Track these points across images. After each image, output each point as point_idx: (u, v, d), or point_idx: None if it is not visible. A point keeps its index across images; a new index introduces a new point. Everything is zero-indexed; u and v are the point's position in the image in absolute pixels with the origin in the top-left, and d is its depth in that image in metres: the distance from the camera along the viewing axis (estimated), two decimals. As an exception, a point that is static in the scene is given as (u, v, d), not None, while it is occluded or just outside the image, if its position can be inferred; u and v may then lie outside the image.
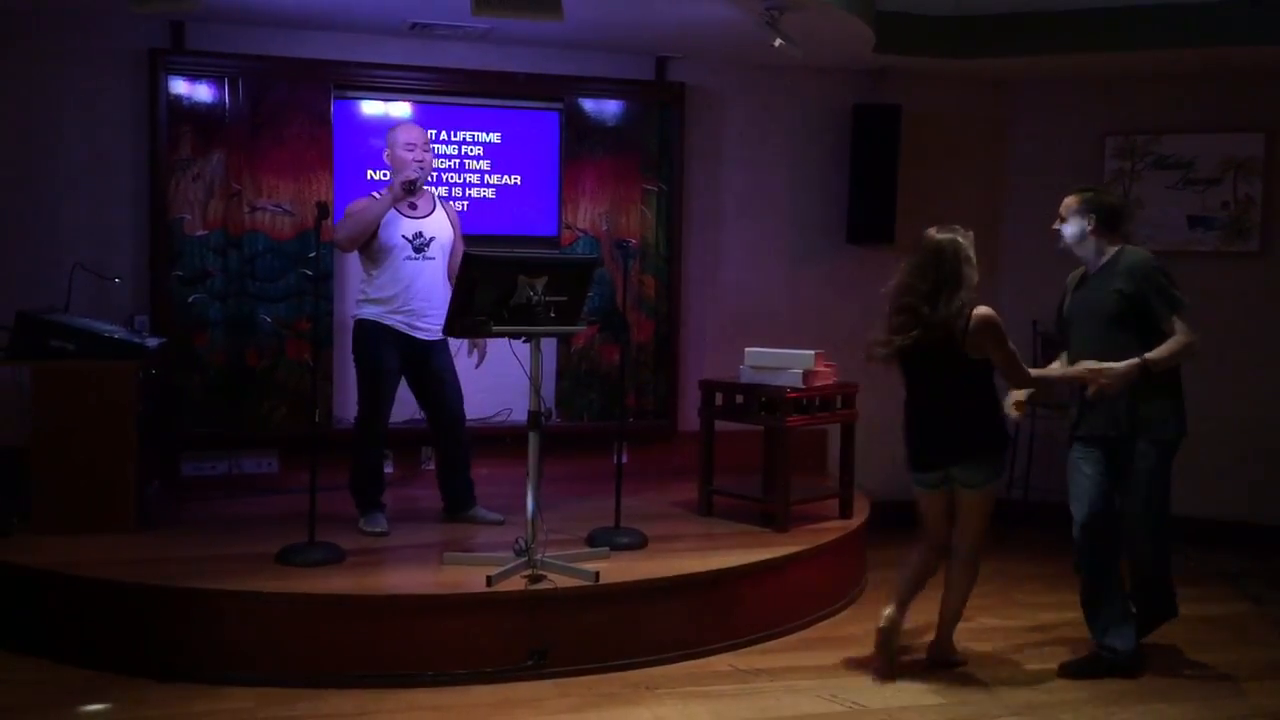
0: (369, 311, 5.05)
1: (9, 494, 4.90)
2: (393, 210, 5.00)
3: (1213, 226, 6.67)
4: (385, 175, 5.38)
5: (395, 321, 5.03)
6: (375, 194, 5.12)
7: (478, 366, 5.29)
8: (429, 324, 5.05)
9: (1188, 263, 6.69)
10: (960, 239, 4.20)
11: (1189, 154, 6.69)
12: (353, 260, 5.41)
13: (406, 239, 5.01)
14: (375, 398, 5.08)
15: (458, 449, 5.29)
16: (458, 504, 5.31)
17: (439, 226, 5.13)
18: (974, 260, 4.20)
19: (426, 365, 5.12)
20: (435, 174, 6.25)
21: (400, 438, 5.80)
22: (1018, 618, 5.16)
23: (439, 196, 5.33)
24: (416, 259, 5.04)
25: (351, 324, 5.21)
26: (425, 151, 5.11)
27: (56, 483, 4.85)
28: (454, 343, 5.12)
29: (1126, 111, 6.82)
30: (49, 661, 4.27)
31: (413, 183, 5.02)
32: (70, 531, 4.78)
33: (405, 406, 5.43)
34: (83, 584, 4.32)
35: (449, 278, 5.07)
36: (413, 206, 5.06)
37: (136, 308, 5.75)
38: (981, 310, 4.17)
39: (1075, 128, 6.91)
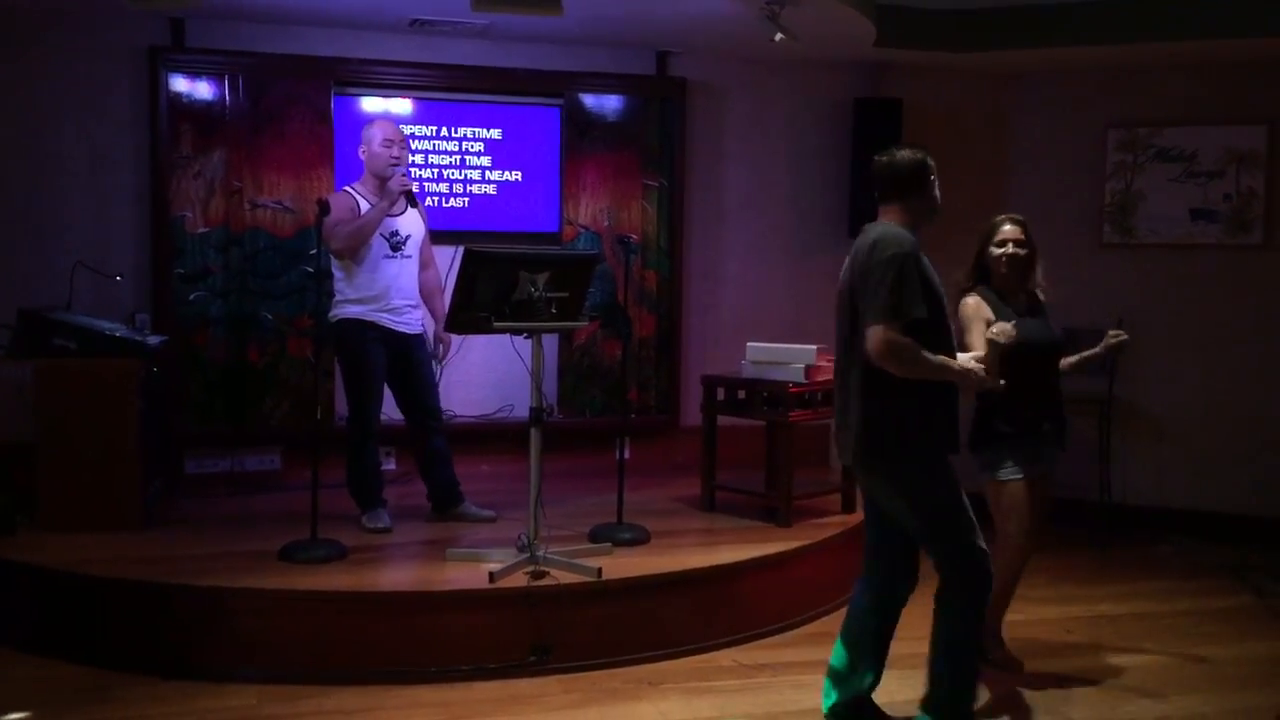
0: (353, 310, 5.01)
1: (13, 492, 4.91)
2: (369, 208, 5.00)
3: (1215, 219, 6.66)
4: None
5: (381, 318, 5.01)
6: (348, 188, 5.10)
7: (441, 362, 5.28)
8: (409, 319, 5.09)
9: (1191, 256, 6.72)
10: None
11: (1191, 146, 6.68)
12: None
13: (384, 238, 5.00)
14: (367, 394, 5.06)
15: (439, 440, 5.24)
16: (446, 500, 5.28)
17: (413, 224, 5.12)
18: None
19: (408, 358, 5.11)
20: (436, 170, 6.28)
21: (403, 436, 5.80)
22: (1019, 611, 5.15)
23: (411, 193, 5.26)
24: (394, 257, 5.04)
25: (333, 325, 5.11)
26: (402, 149, 5.10)
27: (60, 481, 4.85)
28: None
29: (1128, 104, 6.81)
30: (52, 659, 4.28)
31: (411, 192, 5.04)
32: (73, 529, 4.78)
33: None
34: (86, 581, 4.32)
35: (420, 272, 5.18)
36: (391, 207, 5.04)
37: (138, 305, 5.76)
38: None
39: (1077, 120, 6.90)
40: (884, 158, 3.69)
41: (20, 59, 5.63)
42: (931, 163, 3.68)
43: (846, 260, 3.73)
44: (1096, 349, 4.40)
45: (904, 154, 3.67)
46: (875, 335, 3.43)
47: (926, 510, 3.55)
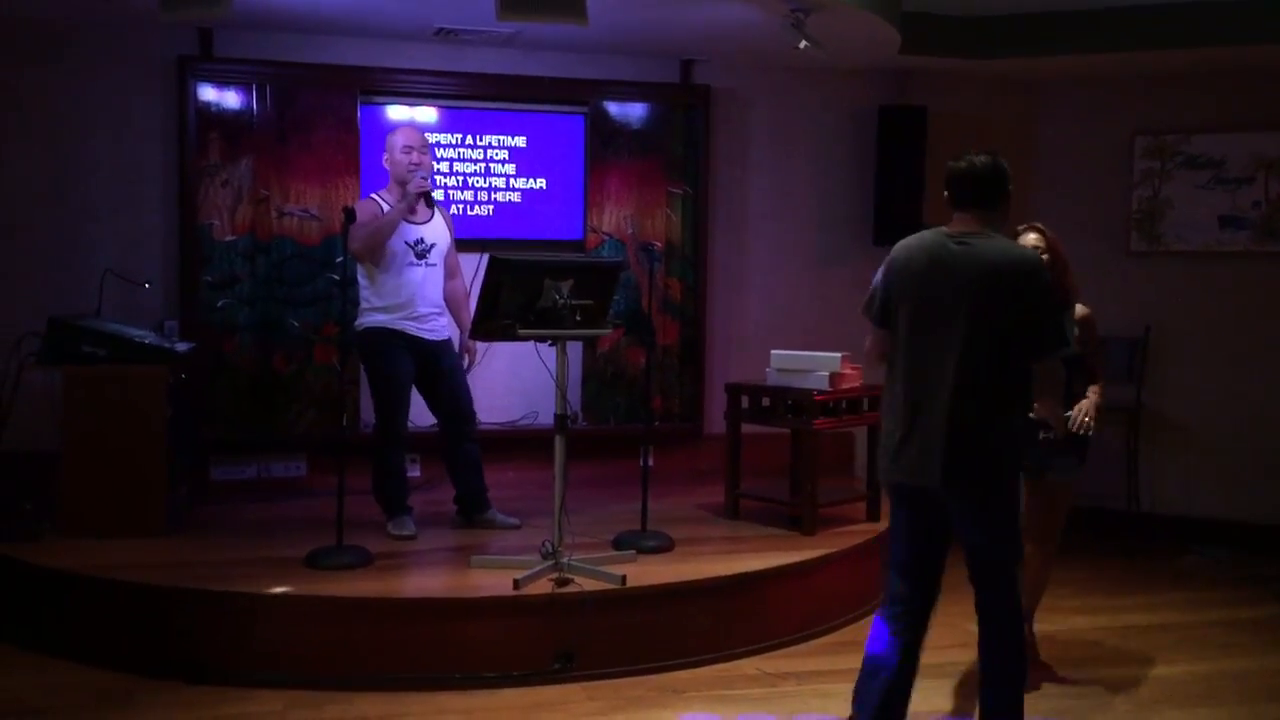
0: (378, 319, 5.02)
1: (40, 498, 4.95)
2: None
3: (1244, 226, 6.61)
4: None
5: (406, 326, 5.02)
6: (374, 195, 5.12)
7: (467, 369, 5.27)
8: (435, 326, 5.10)
9: (1219, 263, 6.67)
10: None
11: (1219, 153, 6.63)
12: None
13: (409, 245, 5.00)
14: (394, 402, 5.07)
15: (471, 445, 5.24)
16: (472, 506, 5.29)
17: (438, 232, 5.13)
18: None
19: (437, 365, 5.11)
20: (461, 178, 6.30)
21: (427, 442, 5.81)
22: (1046, 622, 5.12)
23: (436, 201, 5.23)
24: (419, 265, 5.04)
25: (359, 333, 5.11)
26: (423, 154, 5.08)
27: (87, 486, 4.89)
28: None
29: (1156, 111, 6.77)
30: (78, 664, 4.30)
31: (429, 194, 5.05)
32: (100, 535, 4.82)
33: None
34: (112, 587, 4.35)
35: (445, 281, 5.18)
36: (412, 212, 5.03)
37: (166, 313, 5.81)
38: None
39: (1104, 128, 6.86)
40: (962, 163, 3.46)
41: (50, 70, 5.69)
42: None
43: (926, 266, 3.40)
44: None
45: (985, 160, 3.44)
46: (1059, 366, 3.45)
47: (1009, 524, 3.45)
